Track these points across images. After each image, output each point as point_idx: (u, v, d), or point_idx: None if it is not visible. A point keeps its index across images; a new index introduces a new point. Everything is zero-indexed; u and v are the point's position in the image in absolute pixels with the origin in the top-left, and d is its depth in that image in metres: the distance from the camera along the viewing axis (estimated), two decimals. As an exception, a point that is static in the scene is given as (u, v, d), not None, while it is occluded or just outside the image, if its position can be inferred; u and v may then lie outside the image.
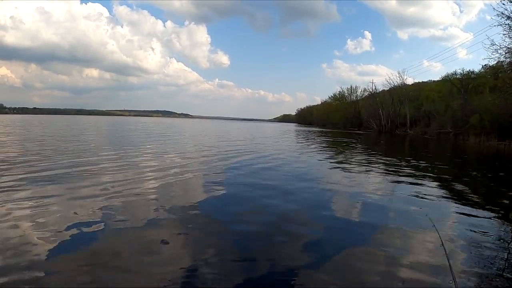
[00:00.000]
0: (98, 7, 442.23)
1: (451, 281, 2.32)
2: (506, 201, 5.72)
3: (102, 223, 3.51)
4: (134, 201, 4.47)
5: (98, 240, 3.11)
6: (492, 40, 20.13)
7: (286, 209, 4.46)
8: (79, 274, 2.44)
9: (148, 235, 3.29)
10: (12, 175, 5.75)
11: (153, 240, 3.16)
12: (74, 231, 3.27)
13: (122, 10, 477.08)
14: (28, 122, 35.74)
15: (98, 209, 4.00)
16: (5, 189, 4.75)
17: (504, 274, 2.75)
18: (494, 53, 20.21)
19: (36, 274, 2.38)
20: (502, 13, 19.02)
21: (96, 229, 3.34)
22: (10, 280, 2.28)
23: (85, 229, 3.32)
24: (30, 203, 4.07)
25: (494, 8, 19.30)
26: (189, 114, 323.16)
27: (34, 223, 3.42)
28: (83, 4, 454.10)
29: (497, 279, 2.64)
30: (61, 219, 3.58)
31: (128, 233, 3.33)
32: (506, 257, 3.12)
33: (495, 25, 19.99)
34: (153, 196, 4.78)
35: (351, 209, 4.77)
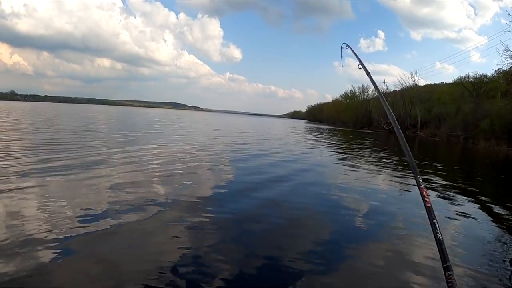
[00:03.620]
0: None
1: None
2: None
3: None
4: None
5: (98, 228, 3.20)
6: (506, 46, 19.97)
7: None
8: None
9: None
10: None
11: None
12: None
13: (135, 1, 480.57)
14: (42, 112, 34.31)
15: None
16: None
17: (504, 274, 2.85)
18: (508, 59, 20.07)
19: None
20: (518, 19, 18.82)
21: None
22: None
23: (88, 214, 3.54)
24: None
25: (509, 14, 19.13)
26: (199, 107, 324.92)
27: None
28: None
29: (497, 279, 2.74)
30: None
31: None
32: (507, 258, 3.27)
33: (510, 31, 19.76)
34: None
35: (358, 209, 4.91)
